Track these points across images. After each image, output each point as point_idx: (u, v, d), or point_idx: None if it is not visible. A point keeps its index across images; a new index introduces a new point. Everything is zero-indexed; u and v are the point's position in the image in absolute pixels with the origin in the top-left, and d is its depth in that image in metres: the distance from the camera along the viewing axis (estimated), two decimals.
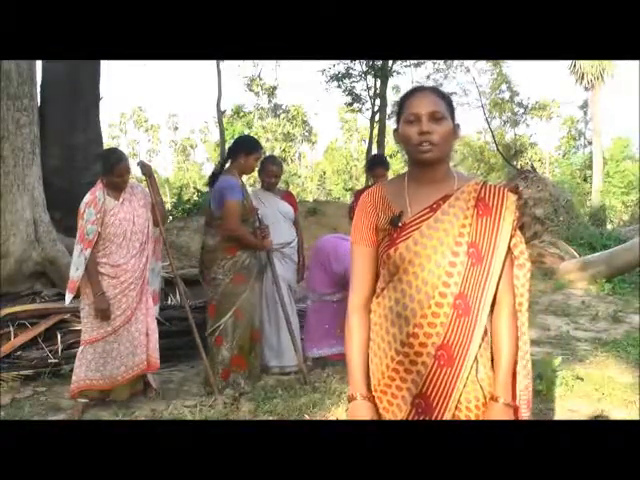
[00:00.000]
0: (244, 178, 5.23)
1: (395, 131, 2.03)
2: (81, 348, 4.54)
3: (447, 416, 1.89)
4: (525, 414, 2.02)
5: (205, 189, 4.53)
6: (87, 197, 4.44)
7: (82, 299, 4.51)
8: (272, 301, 5.39)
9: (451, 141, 1.97)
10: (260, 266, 5.17)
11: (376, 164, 5.78)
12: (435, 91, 1.99)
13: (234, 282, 4.85)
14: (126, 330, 4.55)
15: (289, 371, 5.33)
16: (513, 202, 1.96)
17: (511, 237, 1.95)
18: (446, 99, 1.98)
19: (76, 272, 4.39)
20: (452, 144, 2.00)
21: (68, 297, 4.47)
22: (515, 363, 1.98)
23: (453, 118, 1.97)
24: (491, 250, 1.90)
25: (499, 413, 1.89)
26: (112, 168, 4.44)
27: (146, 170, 4.78)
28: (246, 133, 37.27)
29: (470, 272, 1.89)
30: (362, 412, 1.93)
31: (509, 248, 1.95)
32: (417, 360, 1.90)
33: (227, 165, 5.04)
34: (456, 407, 1.90)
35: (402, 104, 1.99)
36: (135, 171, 5.08)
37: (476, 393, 1.93)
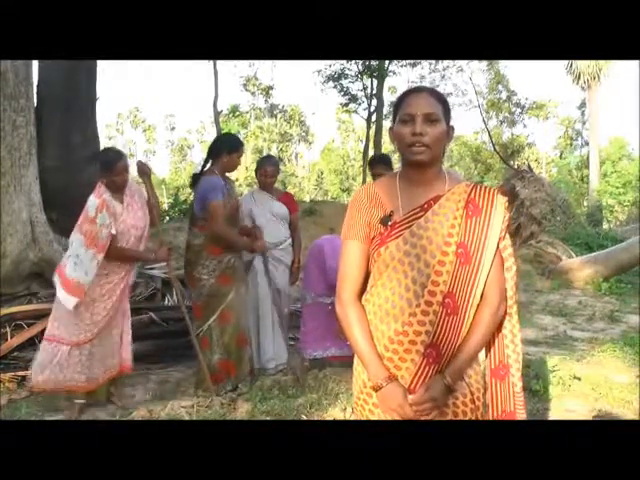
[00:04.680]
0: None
1: (390, 129, 2.04)
2: (68, 349, 4.40)
3: (435, 413, 1.91)
4: (522, 415, 2.03)
5: None
6: (94, 201, 4.30)
7: None
8: (264, 301, 5.41)
9: (444, 143, 1.99)
10: (245, 267, 5.17)
11: (375, 162, 5.56)
12: (432, 93, 2.00)
13: (219, 282, 4.77)
14: (108, 332, 4.53)
15: (272, 372, 5.34)
16: (502, 203, 1.99)
17: (500, 239, 1.97)
18: (443, 101, 2.00)
19: (86, 277, 4.25)
20: (444, 146, 2.02)
21: (73, 301, 4.28)
22: (475, 356, 1.98)
23: (448, 121, 1.99)
24: (480, 250, 1.93)
25: (437, 386, 1.88)
26: (111, 166, 4.37)
27: (146, 170, 4.73)
28: (242, 133, 37.25)
29: (459, 271, 1.92)
30: (395, 395, 1.89)
31: (498, 249, 1.97)
32: (406, 357, 1.92)
33: (209, 165, 4.94)
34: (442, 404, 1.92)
35: (399, 103, 2.01)
36: (132, 170, 5.03)
37: (463, 390, 1.96)
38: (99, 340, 4.47)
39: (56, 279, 4.40)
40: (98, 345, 4.48)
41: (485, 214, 1.95)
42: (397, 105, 2.02)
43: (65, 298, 4.30)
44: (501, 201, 1.99)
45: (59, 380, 4.41)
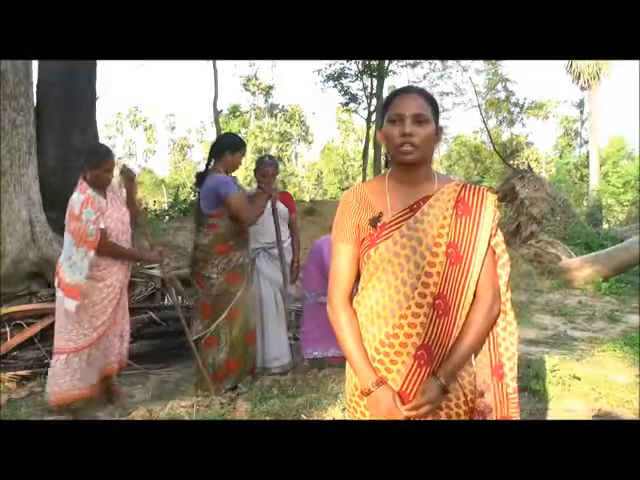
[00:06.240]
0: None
1: (379, 130, 2.04)
2: (65, 357, 4.33)
3: (428, 416, 1.90)
4: (516, 416, 2.02)
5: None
6: (78, 197, 4.24)
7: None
8: (267, 301, 5.42)
9: (433, 144, 1.99)
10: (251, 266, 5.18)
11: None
12: (421, 93, 2.00)
13: (228, 281, 4.77)
14: (106, 335, 4.49)
15: (276, 372, 5.34)
16: (492, 202, 1.99)
17: (491, 236, 1.97)
18: (432, 102, 2.00)
19: (80, 276, 4.20)
20: (434, 147, 2.01)
21: (73, 304, 4.21)
22: (469, 356, 1.97)
23: (437, 121, 1.99)
24: (470, 250, 1.92)
25: (433, 388, 1.88)
26: (101, 162, 4.32)
27: (131, 175, 4.67)
28: (242, 132, 37.24)
29: (449, 272, 1.91)
30: (384, 399, 1.90)
31: (490, 247, 1.97)
32: (397, 360, 1.92)
33: (212, 164, 4.93)
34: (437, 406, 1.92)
35: (388, 103, 2.01)
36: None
37: (456, 392, 1.95)
38: (98, 344, 4.44)
39: (56, 284, 4.36)
40: (97, 349, 4.44)
41: (475, 213, 1.95)
42: (386, 105, 2.02)
43: (67, 302, 4.25)
44: (491, 200, 1.99)
45: (64, 390, 4.33)
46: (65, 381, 4.33)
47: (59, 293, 4.32)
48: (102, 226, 4.27)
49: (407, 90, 2.02)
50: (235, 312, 4.82)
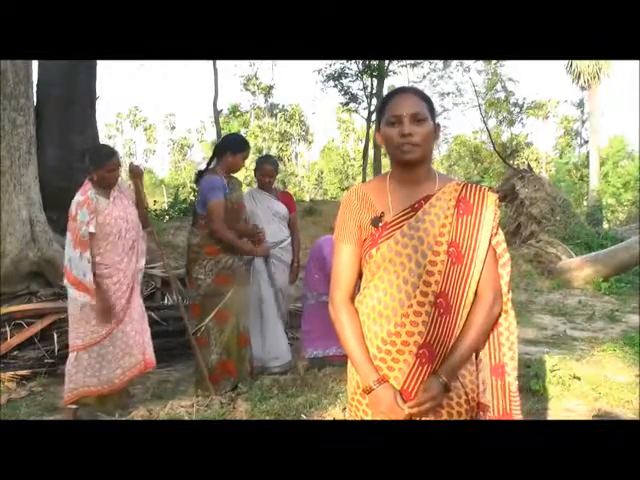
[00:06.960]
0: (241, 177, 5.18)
1: (377, 132, 2.05)
2: (75, 354, 4.38)
3: (429, 415, 1.91)
4: (518, 415, 2.02)
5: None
6: (78, 198, 4.27)
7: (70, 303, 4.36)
8: (267, 301, 5.42)
9: (432, 142, 2.00)
10: (247, 267, 5.18)
11: None
12: (416, 92, 2.02)
13: (216, 282, 4.75)
14: (120, 331, 4.44)
15: (277, 371, 5.35)
16: (493, 201, 1.99)
17: (492, 236, 1.97)
18: (427, 100, 2.01)
19: (85, 278, 4.19)
20: (433, 144, 2.02)
21: (86, 299, 4.24)
22: (470, 355, 1.97)
23: (433, 119, 2.00)
24: (472, 249, 1.93)
25: (435, 385, 1.88)
26: (104, 162, 4.32)
27: (139, 172, 4.70)
28: (242, 132, 37.25)
29: (450, 271, 1.92)
30: (385, 398, 1.90)
31: (491, 246, 1.97)
32: (399, 358, 1.92)
33: (213, 163, 4.94)
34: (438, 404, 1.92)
35: (384, 106, 2.02)
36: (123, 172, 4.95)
37: (457, 391, 1.96)
38: (110, 340, 4.41)
39: (65, 282, 4.37)
40: (109, 346, 4.42)
41: (476, 213, 1.96)
42: (382, 108, 2.03)
43: (81, 297, 4.26)
44: (492, 199, 1.99)
45: (76, 386, 4.37)
46: (78, 378, 4.38)
47: (70, 290, 4.32)
48: (92, 230, 4.23)
49: (402, 90, 2.03)
50: (225, 314, 4.79)
